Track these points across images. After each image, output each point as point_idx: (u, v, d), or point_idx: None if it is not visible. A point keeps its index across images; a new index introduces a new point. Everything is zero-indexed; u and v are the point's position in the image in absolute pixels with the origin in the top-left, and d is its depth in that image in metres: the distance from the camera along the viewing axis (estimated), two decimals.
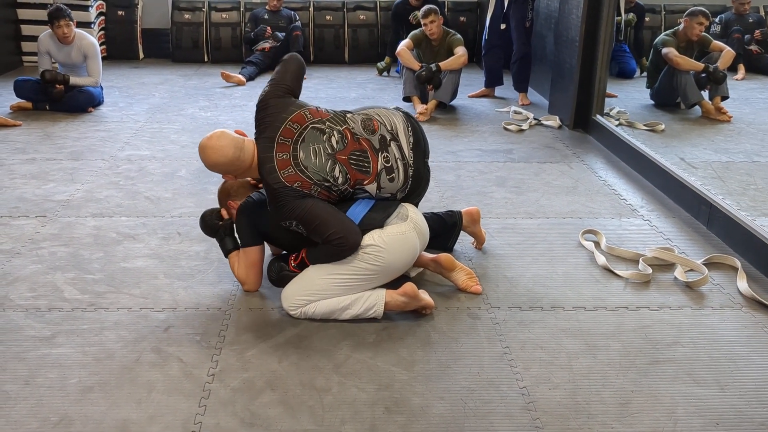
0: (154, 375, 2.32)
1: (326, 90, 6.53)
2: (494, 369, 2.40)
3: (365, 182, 2.71)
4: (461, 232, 3.24)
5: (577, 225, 3.61)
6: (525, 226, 3.59)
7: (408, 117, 2.90)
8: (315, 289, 2.61)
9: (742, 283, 3.00)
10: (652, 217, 3.74)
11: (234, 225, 2.85)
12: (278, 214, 2.64)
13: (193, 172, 4.24)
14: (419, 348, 2.51)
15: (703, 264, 3.15)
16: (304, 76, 3.01)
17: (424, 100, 5.80)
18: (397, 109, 2.95)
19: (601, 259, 3.20)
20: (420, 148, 2.85)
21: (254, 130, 2.75)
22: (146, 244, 3.28)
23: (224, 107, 5.81)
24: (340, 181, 2.66)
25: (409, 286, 2.67)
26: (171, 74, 7.05)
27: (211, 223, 2.95)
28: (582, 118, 5.37)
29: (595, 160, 4.69)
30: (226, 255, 2.92)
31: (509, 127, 5.36)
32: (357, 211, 2.69)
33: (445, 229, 3.18)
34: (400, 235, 2.64)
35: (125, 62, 7.49)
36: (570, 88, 5.38)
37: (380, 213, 2.70)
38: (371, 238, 2.61)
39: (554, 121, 5.51)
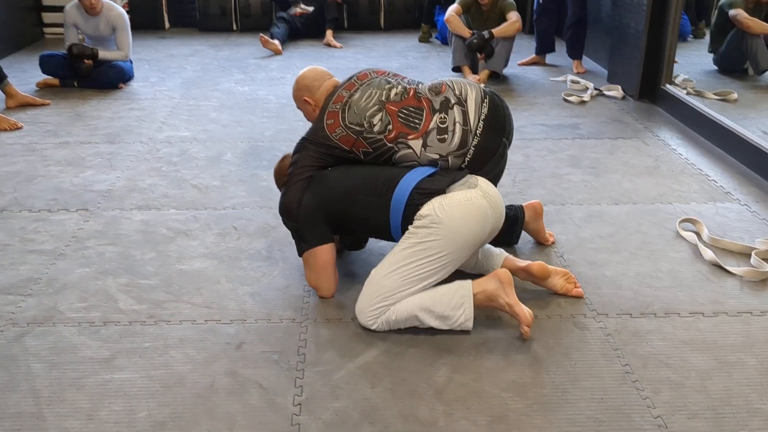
0: (233, 405, 2.03)
1: (366, 60, 6.14)
2: (619, 393, 2.09)
3: (409, 137, 2.51)
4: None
5: (669, 212, 3.27)
6: (613, 214, 3.25)
7: (491, 94, 2.62)
8: (385, 292, 2.30)
9: None
10: (749, 202, 3.39)
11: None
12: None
13: (239, 156, 3.91)
14: (527, 368, 2.20)
15: None
16: None
17: (474, 70, 5.42)
18: (483, 88, 2.63)
19: (708, 254, 2.86)
20: (496, 124, 2.57)
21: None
22: (201, 241, 2.97)
23: (261, 80, 5.45)
24: (376, 129, 2.51)
25: (502, 271, 2.38)
26: (200, 45, 6.67)
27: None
28: (649, 88, 4.97)
29: (670, 134, 4.32)
30: (299, 254, 2.61)
31: (570, 98, 4.98)
32: (412, 178, 2.40)
33: (504, 225, 2.78)
34: (465, 201, 2.34)
35: (151, 32, 7.11)
36: (635, 55, 4.97)
37: (444, 177, 2.41)
38: (430, 207, 2.31)
39: (617, 91, 5.11)
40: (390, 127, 2.52)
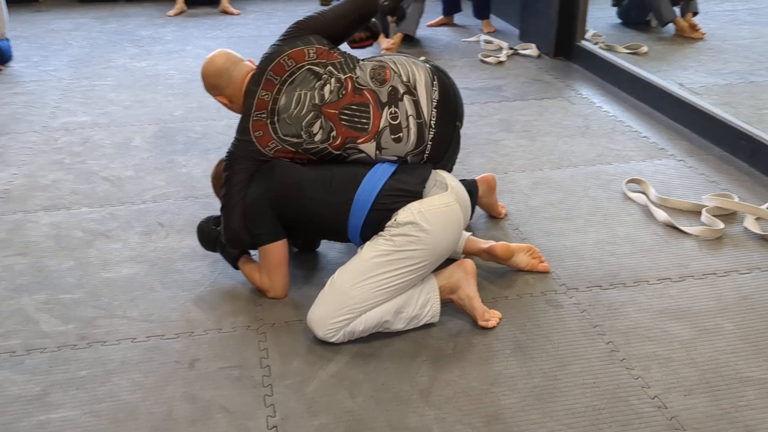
0: None
1: (267, 27, 5.78)
2: (610, 375, 1.99)
3: (359, 140, 2.22)
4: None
5: (611, 173, 3.21)
6: (557, 179, 3.15)
7: (437, 71, 2.35)
8: (352, 304, 2.05)
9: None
10: (684, 156, 3.38)
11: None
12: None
13: (150, 140, 3.54)
14: (511, 356, 2.06)
15: None
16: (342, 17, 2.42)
17: (386, 34, 5.20)
18: (426, 61, 2.40)
19: (662, 215, 2.82)
20: (449, 108, 2.31)
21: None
22: (124, 242, 2.64)
23: (158, 54, 5.01)
24: (318, 138, 2.22)
25: (467, 262, 2.22)
26: (82, 17, 6.07)
27: (210, 234, 2.41)
28: (564, 45, 4.91)
29: (592, 92, 4.27)
30: (235, 265, 2.37)
31: (487, 59, 4.85)
32: (376, 176, 2.15)
33: None
34: (444, 207, 2.11)
35: (23, 6, 6.41)
36: (548, 12, 4.88)
37: (412, 175, 2.17)
38: (409, 213, 2.07)
39: (532, 50, 5.03)
40: (334, 133, 2.23)
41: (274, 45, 2.33)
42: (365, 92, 2.25)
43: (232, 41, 5.32)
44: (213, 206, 2.86)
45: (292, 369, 2.00)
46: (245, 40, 5.35)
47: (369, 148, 2.23)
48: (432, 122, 2.25)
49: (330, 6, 2.47)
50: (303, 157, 2.26)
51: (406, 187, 2.12)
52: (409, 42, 5.20)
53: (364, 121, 2.23)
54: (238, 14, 6.16)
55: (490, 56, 4.90)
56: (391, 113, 2.23)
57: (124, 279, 2.42)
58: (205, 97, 4.09)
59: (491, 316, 2.18)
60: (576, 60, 4.81)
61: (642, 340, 2.13)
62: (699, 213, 2.85)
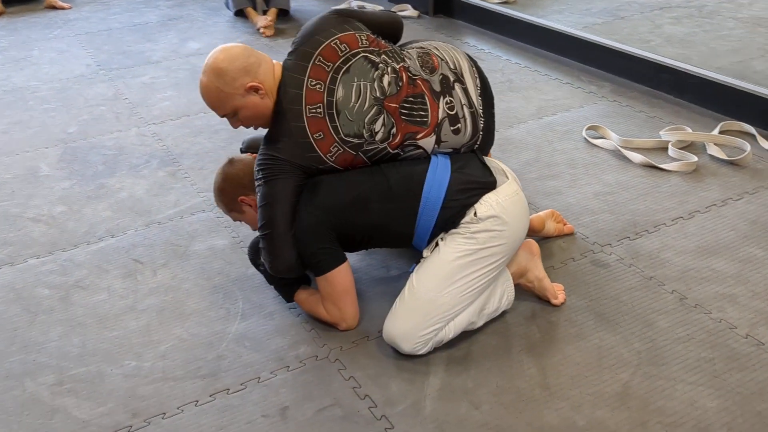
0: None
1: (114, 18, 5.16)
2: (696, 324, 2.00)
3: (419, 136, 2.00)
4: None
5: (561, 123, 3.24)
6: (518, 139, 3.12)
7: (470, 57, 2.20)
8: (442, 312, 1.88)
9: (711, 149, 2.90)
10: (615, 97, 3.49)
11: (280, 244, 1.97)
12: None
13: (59, 166, 3.03)
14: (598, 327, 2.00)
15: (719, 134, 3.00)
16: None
17: (259, 11, 4.85)
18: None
19: (637, 157, 2.88)
20: (488, 95, 2.18)
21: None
22: (110, 291, 2.23)
23: (3, 65, 4.30)
24: (379, 137, 1.97)
25: (531, 242, 2.13)
26: None
27: (255, 260, 2.16)
28: (441, 2, 4.88)
29: (491, 46, 4.28)
30: (291, 298, 2.10)
31: None
32: (439, 172, 1.95)
33: None
34: (515, 196, 1.98)
35: None
36: None
37: (474, 168, 2.00)
38: (489, 206, 1.91)
39: (410, 11, 4.96)
40: (394, 130, 1.99)
41: (314, 27, 2.02)
42: (418, 82, 2.03)
43: (84, 39, 4.70)
44: (187, 230, 2.52)
45: (394, 393, 1.80)
46: (99, 37, 4.74)
47: (428, 143, 2.02)
48: (480, 111, 2.10)
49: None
50: (359, 162, 2.00)
51: (477, 179, 1.96)
52: (285, 16, 4.90)
53: (423, 113, 2.01)
54: (69, 8, 5.45)
55: None
56: (447, 103, 2.04)
57: (136, 333, 2.05)
58: (96, 106, 3.67)
59: (559, 292, 2.11)
60: (459, 16, 4.80)
61: (699, 282, 2.17)
62: (663, 149, 2.97)
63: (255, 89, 1.95)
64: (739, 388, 1.78)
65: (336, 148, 1.95)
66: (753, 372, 1.83)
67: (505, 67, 3.93)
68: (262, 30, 4.60)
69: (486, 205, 1.91)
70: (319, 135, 1.94)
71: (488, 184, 1.96)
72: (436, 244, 1.94)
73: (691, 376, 1.82)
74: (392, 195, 1.94)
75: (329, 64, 1.98)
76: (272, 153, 1.95)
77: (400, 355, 1.92)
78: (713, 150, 2.93)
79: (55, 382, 1.88)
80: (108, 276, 2.31)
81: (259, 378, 1.87)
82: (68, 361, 1.95)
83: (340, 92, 1.96)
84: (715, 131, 3.06)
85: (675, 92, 3.46)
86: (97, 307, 2.16)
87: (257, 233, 2.19)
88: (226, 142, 3.19)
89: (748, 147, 2.88)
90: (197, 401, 1.80)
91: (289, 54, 2.02)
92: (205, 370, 1.90)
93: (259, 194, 1.96)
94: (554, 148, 3.03)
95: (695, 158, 2.84)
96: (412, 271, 1.96)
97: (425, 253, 1.95)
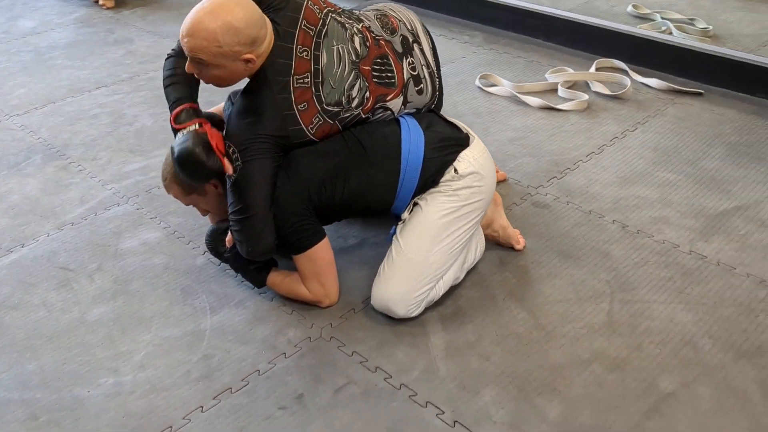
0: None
1: None
2: (650, 248, 2.16)
3: (389, 98, 1.96)
4: None
5: (450, 74, 3.30)
6: None
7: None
8: (433, 272, 1.88)
9: (651, 80, 3.16)
10: (491, 45, 3.62)
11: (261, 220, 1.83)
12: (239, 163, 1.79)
13: None
14: (569, 264, 2.10)
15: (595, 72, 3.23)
16: None
17: None
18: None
19: (534, 101, 3.02)
20: (436, 55, 2.17)
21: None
22: (47, 307, 1.97)
23: None
24: (354, 103, 1.89)
25: (495, 194, 2.18)
26: None
27: (217, 249, 2.01)
28: None
29: (352, 2, 4.24)
30: (263, 284, 1.98)
31: None
32: (413, 132, 1.92)
33: None
34: (485, 151, 2.00)
35: None
36: None
37: (443, 125, 2.01)
38: (468, 162, 1.92)
39: None
40: (367, 94, 1.91)
41: None
42: (382, 43, 1.97)
43: None
44: (108, 228, 2.29)
45: (402, 360, 1.78)
46: None
47: (396, 104, 1.97)
48: (435, 70, 2.09)
49: None
50: (334, 131, 1.90)
51: (450, 135, 1.95)
52: None
53: (390, 75, 1.95)
54: None
55: None
56: (409, 64, 2.00)
57: (98, 347, 1.83)
58: None
59: (519, 237, 2.18)
60: None
61: (632, 210, 2.34)
62: (553, 91, 3.14)
63: (248, 61, 1.76)
64: (703, 299, 1.96)
65: (317, 119, 1.84)
66: (708, 283, 2.02)
67: None
68: (101, 2, 4.20)
69: (465, 161, 1.92)
70: (303, 106, 1.82)
71: (462, 140, 1.96)
72: (414, 205, 1.93)
73: (660, 296, 1.98)
74: (371, 161, 1.88)
75: (312, 27, 1.85)
76: (251, 129, 1.80)
77: (392, 320, 1.90)
78: (597, 87, 3.14)
79: (29, 417, 1.65)
80: (38, 290, 2.04)
81: (259, 371, 1.76)
82: (32, 391, 1.72)
83: (324, 58, 1.84)
84: (593, 69, 3.28)
85: (544, 36, 3.65)
86: (39, 327, 1.91)
87: (209, 219, 2.05)
88: (111, 125, 2.91)
89: (627, 81, 3.12)
90: (202, 407, 1.67)
91: (272, 19, 1.83)
92: (195, 372, 1.76)
93: (234, 175, 1.81)
94: (455, 99, 3.09)
95: (586, 96, 3.03)
96: (393, 234, 1.93)
97: (404, 215, 1.93)
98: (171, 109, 1.89)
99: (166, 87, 1.91)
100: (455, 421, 1.62)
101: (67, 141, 2.81)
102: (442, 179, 1.91)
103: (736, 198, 2.38)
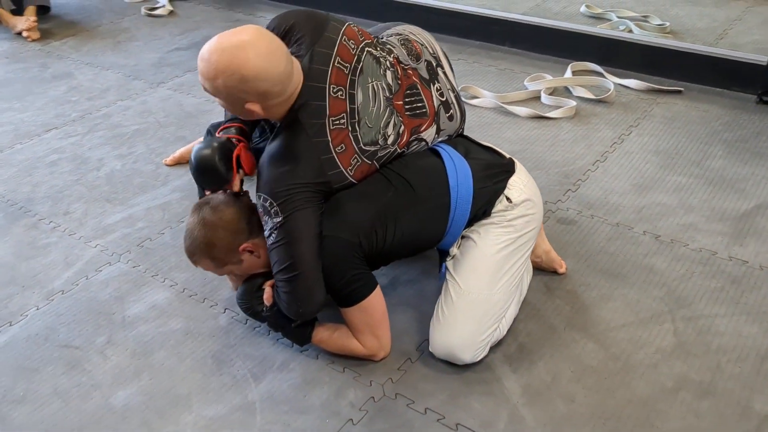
0: None
1: None
2: (691, 258, 2.10)
3: (422, 128, 1.82)
4: None
5: None
6: None
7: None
8: (497, 310, 1.74)
9: (629, 81, 3.14)
10: (456, 56, 3.51)
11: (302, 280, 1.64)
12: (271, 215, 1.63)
13: None
14: (612, 280, 2.00)
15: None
16: None
17: (19, 10, 4.00)
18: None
19: (522, 111, 2.94)
20: (454, 74, 2.05)
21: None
22: (59, 393, 1.70)
23: None
24: (390, 140, 1.75)
25: None
26: None
27: (254, 308, 1.78)
28: None
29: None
30: (308, 341, 1.78)
31: (153, 12, 4.17)
32: (455, 162, 1.77)
33: None
34: (529, 176, 1.89)
35: None
36: None
37: (482, 152, 1.89)
38: (519, 190, 1.80)
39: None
40: (402, 129, 1.77)
41: (315, 21, 1.72)
42: (409, 72, 1.83)
43: None
44: (107, 292, 2.04)
45: (482, 412, 1.63)
46: None
47: (430, 134, 1.83)
48: (459, 92, 1.97)
49: None
50: (372, 171, 1.74)
51: (494, 161, 1.83)
52: (46, 13, 4.12)
53: (421, 105, 1.81)
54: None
55: (155, 9, 4.22)
56: (437, 90, 1.87)
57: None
58: None
59: (561, 261, 2.07)
60: None
61: (658, 218, 2.27)
62: (536, 98, 3.06)
63: (252, 111, 1.61)
64: (762, 307, 1.91)
65: (355, 160, 1.68)
66: (761, 289, 1.97)
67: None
68: (25, 34, 3.83)
69: (516, 189, 1.79)
70: (341, 148, 1.66)
71: (508, 166, 1.84)
72: (462, 239, 1.79)
73: (719, 309, 1.91)
74: (419, 197, 1.73)
75: (346, 65, 1.69)
76: (289, 178, 1.62)
77: (456, 367, 1.74)
78: (580, 91, 3.09)
79: None
80: (43, 376, 1.77)
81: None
82: None
83: (360, 97, 1.69)
84: (569, 73, 3.23)
85: (509, 42, 3.58)
86: (58, 422, 1.64)
87: (228, 279, 1.86)
88: (76, 173, 2.62)
89: (610, 84, 3.08)
90: None
91: (301, 54, 1.67)
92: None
93: (275, 232, 1.62)
94: None
95: (573, 102, 2.97)
96: (445, 272, 1.78)
97: (453, 250, 1.79)
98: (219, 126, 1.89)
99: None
100: None
101: (29, 195, 2.50)
102: (494, 210, 1.78)
103: (752, 197, 2.36)
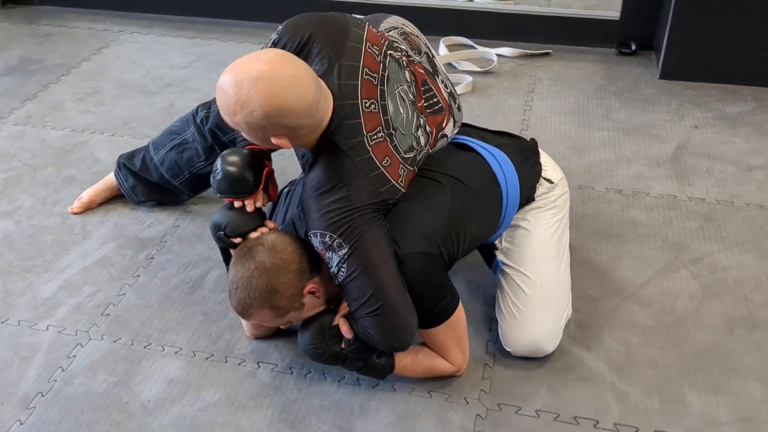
0: None
1: None
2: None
3: (444, 124, 1.73)
4: None
5: None
6: None
7: None
8: (567, 293, 1.73)
9: (503, 50, 3.23)
10: None
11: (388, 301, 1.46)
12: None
13: None
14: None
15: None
16: None
17: None
18: None
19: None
20: None
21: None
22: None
23: None
24: (422, 141, 1.63)
25: None
26: None
27: (331, 349, 1.55)
28: None
29: (130, 25, 3.59)
30: (390, 371, 1.59)
31: None
32: (487, 152, 1.72)
33: None
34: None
35: None
36: None
37: (502, 137, 1.85)
38: (553, 169, 1.83)
39: None
40: (429, 128, 1.64)
41: (335, 28, 1.54)
42: (417, 67, 1.69)
43: None
44: (107, 381, 1.71)
45: (591, 399, 1.60)
46: None
47: (450, 128, 1.73)
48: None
49: None
50: (413, 176, 1.59)
51: (522, 145, 1.81)
52: None
53: (436, 100, 1.69)
54: None
55: None
56: (442, 82, 1.76)
57: None
58: None
59: None
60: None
61: (608, 174, 2.39)
62: None
63: (279, 143, 1.42)
64: (743, 236, 2.10)
65: (402, 170, 1.54)
66: (730, 222, 2.16)
67: (169, 48, 3.37)
68: None
69: (550, 168, 1.81)
70: (387, 161, 1.50)
71: (534, 146, 1.83)
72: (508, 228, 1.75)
73: (711, 246, 2.06)
74: (473, 193, 1.65)
75: (374, 75, 1.53)
76: (343, 205, 1.44)
77: (535, 361, 1.70)
78: (465, 65, 3.13)
79: None
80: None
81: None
82: None
83: (390, 107, 1.54)
84: (443, 49, 3.24)
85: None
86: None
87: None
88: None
89: (493, 55, 3.15)
90: None
91: (327, 72, 1.46)
92: None
93: (344, 266, 1.42)
94: None
95: (470, 78, 2.99)
96: (499, 268, 1.72)
97: (500, 244, 1.74)
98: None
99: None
100: None
101: None
102: (537, 194, 1.75)
103: (669, 139, 2.58)
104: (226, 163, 1.54)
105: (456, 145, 1.76)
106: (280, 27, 1.57)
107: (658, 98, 2.84)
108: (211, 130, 2.02)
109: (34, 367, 1.70)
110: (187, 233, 2.13)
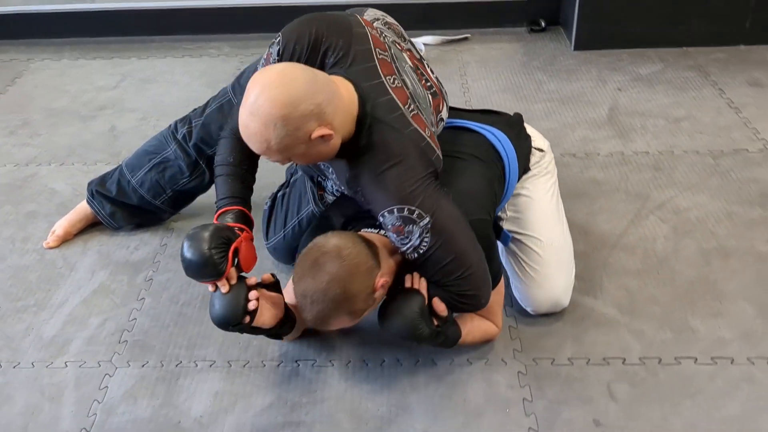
0: None
1: None
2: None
3: (441, 107, 1.80)
4: None
5: None
6: None
7: None
8: (572, 250, 1.88)
9: (426, 38, 3.35)
10: (238, 51, 3.35)
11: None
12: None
13: None
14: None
15: None
16: None
17: None
18: None
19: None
20: None
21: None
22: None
23: None
24: (434, 120, 1.74)
25: None
26: None
27: (432, 329, 1.57)
28: None
29: (36, 52, 3.42)
30: (460, 334, 1.67)
31: None
32: (489, 129, 1.83)
33: None
34: None
35: None
36: None
37: (487, 115, 1.96)
38: (539, 137, 1.97)
39: None
40: (435, 102, 1.72)
41: (337, 21, 1.59)
42: (408, 53, 1.75)
43: None
44: (144, 409, 1.69)
45: (625, 341, 1.75)
46: None
47: (445, 111, 1.80)
48: None
49: None
50: None
51: (512, 119, 1.94)
52: None
53: (430, 84, 1.75)
54: None
55: None
56: (427, 67, 1.82)
57: None
58: None
59: None
60: None
61: (559, 141, 2.57)
62: None
63: (323, 137, 1.42)
64: (689, 180, 2.33)
65: (438, 140, 1.62)
66: (675, 169, 2.39)
67: (90, 71, 3.24)
68: None
69: (538, 138, 1.95)
70: (427, 132, 1.57)
71: (520, 119, 1.97)
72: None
73: (668, 192, 2.29)
74: (489, 166, 1.76)
75: (386, 54, 1.59)
76: (408, 177, 1.48)
77: (552, 316, 1.82)
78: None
79: None
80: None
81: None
82: None
83: (408, 81, 1.61)
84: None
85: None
86: None
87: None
88: None
89: (420, 45, 3.27)
90: None
91: (338, 62, 1.52)
92: None
93: (427, 236, 1.48)
94: None
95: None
96: (507, 237, 1.83)
97: (503, 214, 1.86)
98: (218, 205, 1.62)
99: (217, 176, 1.65)
100: None
101: None
102: (531, 163, 1.89)
103: (600, 104, 2.79)
104: (187, 249, 1.46)
105: (455, 128, 1.85)
106: (279, 37, 1.58)
107: (578, 68, 3.07)
108: (196, 146, 2.00)
109: (67, 405, 1.64)
110: (177, 250, 2.09)
